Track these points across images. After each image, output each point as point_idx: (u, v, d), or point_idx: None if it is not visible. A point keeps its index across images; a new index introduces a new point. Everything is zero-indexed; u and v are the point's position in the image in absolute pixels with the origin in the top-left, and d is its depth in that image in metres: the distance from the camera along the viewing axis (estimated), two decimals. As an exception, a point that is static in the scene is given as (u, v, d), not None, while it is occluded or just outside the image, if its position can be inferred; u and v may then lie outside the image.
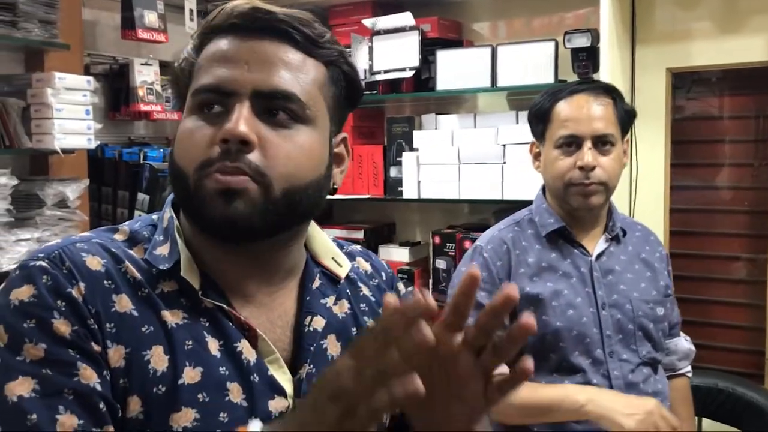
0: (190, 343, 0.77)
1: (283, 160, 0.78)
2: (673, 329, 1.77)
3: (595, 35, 2.40)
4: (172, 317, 0.78)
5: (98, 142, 2.46)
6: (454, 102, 2.95)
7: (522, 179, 2.52)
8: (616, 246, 1.68)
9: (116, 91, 2.81)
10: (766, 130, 2.53)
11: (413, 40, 2.72)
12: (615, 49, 2.39)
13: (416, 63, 2.72)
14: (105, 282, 0.77)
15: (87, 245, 0.80)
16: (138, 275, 0.79)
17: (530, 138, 2.49)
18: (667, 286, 1.72)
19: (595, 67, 2.42)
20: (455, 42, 2.83)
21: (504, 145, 2.57)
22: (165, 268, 0.80)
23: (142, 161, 2.66)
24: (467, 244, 2.66)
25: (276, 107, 0.79)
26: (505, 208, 2.70)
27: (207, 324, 0.79)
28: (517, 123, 2.61)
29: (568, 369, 1.57)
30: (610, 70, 2.34)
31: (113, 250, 0.80)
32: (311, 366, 0.84)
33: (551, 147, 1.63)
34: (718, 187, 2.63)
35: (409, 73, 2.74)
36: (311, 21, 0.83)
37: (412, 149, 2.80)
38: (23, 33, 2.23)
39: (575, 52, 2.44)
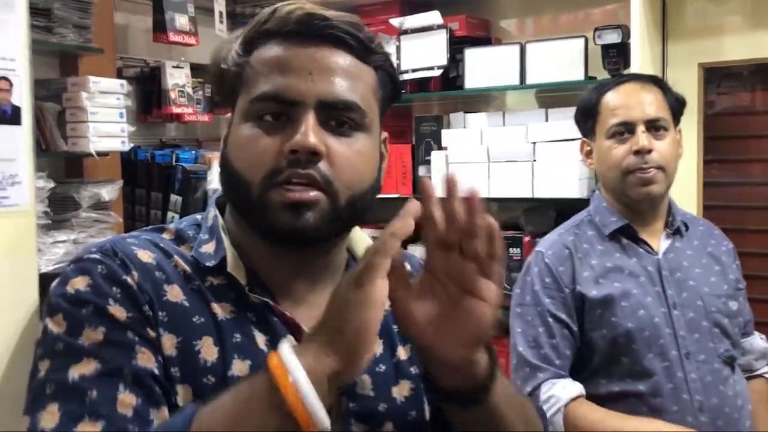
0: (239, 336, 0.79)
1: (348, 169, 0.80)
2: (747, 327, 1.72)
3: (626, 31, 2.38)
4: (221, 310, 0.80)
5: (131, 145, 2.50)
6: (482, 100, 2.94)
7: (552, 177, 2.51)
8: (681, 241, 1.64)
9: (147, 94, 2.85)
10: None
11: (441, 38, 2.72)
12: (646, 45, 2.37)
13: (444, 62, 2.72)
14: (156, 273, 0.79)
15: (137, 240, 0.83)
16: (187, 269, 0.81)
17: (560, 135, 2.50)
18: (738, 280, 1.68)
19: (626, 63, 2.40)
20: (483, 40, 2.82)
21: (534, 143, 2.56)
22: (211, 264, 0.82)
23: (174, 163, 2.69)
24: (497, 242, 2.66)
25: (339, 116, 0.80)
26: (535, 206, 2.70)
27: (254, 319, 0.81)
28: (547, 120, 2.60)
29: (641, 373, 1.52)
30: (641, 66, 2.32)
31: (162, 245, 0.83)
32: None
33: (603, 139, 1.61)
34: (753, 183, 2.59)
35: (437, 72, 2.74)
36: (361, 25, 0.84)
37: (440, 148, 2.80)
38: (59, 38, 2.27)
39: (605, 48, 2.42)
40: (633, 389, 1.52)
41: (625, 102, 1.58)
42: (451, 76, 2.78)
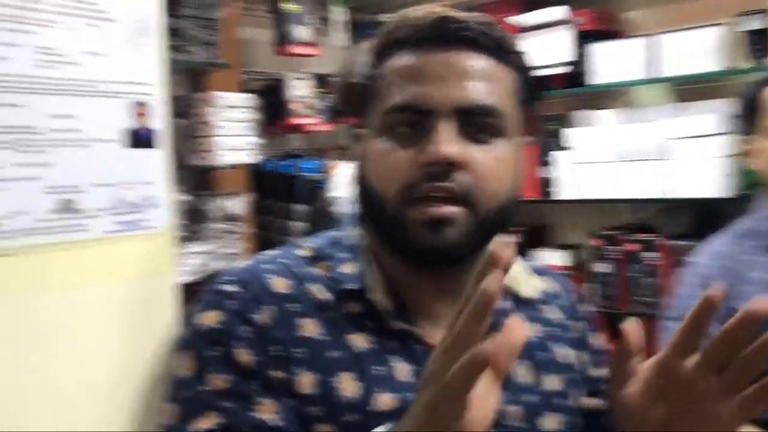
0: (380, 368, 0.75)
1: (489, 178, 0.75)
2: None
3: (772, 15, 2.20)
4: (359, 341, 0.76)
5: (259, 157, 2.55)
6: (608, 96, 2.81)
7: (689, 175, 2.36)
8: None
9: (271, 106, 2.90)
10: None
11: (565, 34, 2.62)
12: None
13: (569, 58, 2.62)
14: (290, 305, 0.76)
15: (272, 266, 0.80)
16: (323, 296, 0.78)
17: (697, 131, 2.34)
18: None
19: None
20: (610, 33, 2.69)
21: (667, 140, 2.42)
22: (353, 287, 0.78)
23: (297, 173, 2.73)
24: (630, 246, 2.52)
25: (477, 123, 0.75)
26: (671, 206, 2.54)
27: (396, 348, 0.77)
28: (681, 115, 2.44)
29: None
30: (789, 52, 2.13)
31: (297, 270, 0.80)
32: None
33: (766, 137, 1.46)
34: None
35: (562, 69, 2.64)
36: (496, 25, 0.78)
37: (564, 147, 2.69)
38: (188, 56, 2.35)
39: (748, 35, 2.25)
40: None
41: None
42: (576, 73, 2.67)
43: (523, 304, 0.87)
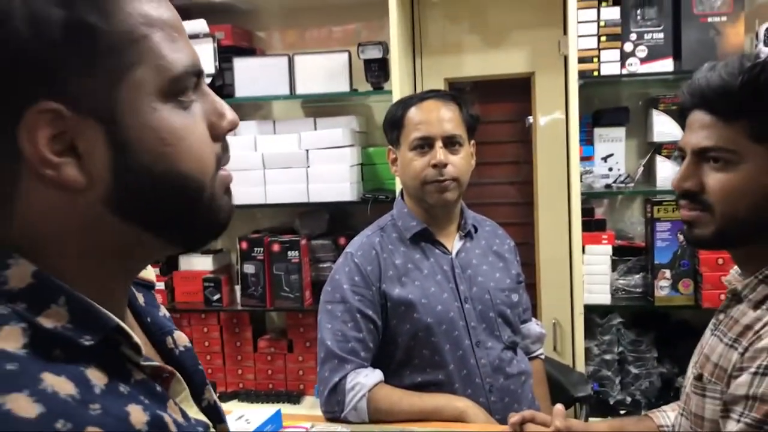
0: None
1: None
2: (525, 314, 1.93)
3: (386, 47, 2.56)
4: None
5: None
6: (251, 108, 2.98)
7: (325, 182, 2.64)
8: (470, 242, 1.81)
9: None
10: (524, 133, 2.85)
11: (208, 47, 2.72)
12: (402, 60, 2.55)
13: (212, 70, 2.73)
14: None
15: None
16: None
17: (330, 143, 2.63)
18: (519, 274, 1.88)
19: (386, 77, 2.59)
20: (249, 50, 2.87)
21: (307, 150, 2.67)
22: None
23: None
24: (276, 246, 2.73)
25: None
26: (310, 210, 2.81)
27: None
28: (316, 129, 2.72)
29: (439, 363, 1.68)
30: (399, 79, 2.50)
31: None
32: None
33: (406, 150, 1.74)
34: (490, 183, 2.91)
35: (206, 81, 2.73)
36: None
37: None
38: None
39: (368, 62, 2.60)
40: (433, 378, 1.68)
41: (427, 118, 1.72)
42: (218, 85, 2.79)
43: None
